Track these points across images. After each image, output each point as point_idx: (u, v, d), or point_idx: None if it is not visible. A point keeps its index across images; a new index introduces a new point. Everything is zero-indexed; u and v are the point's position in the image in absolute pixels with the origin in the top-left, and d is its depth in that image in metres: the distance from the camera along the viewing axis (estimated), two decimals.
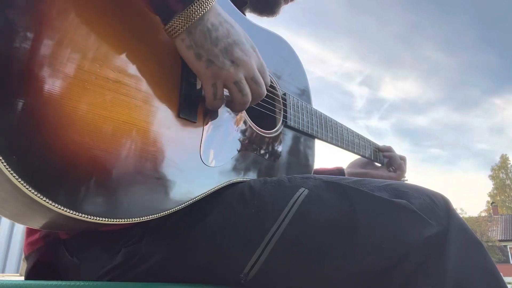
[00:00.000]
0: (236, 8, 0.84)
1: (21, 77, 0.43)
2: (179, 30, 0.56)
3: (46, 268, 0.69)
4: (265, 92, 0.66)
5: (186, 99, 0.62)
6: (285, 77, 0.96)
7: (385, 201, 0.57)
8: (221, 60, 0.59)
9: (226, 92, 0.65)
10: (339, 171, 1.23)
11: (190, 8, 0.55)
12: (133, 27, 0.57)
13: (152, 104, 0.57)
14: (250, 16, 1.05)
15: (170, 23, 0.56)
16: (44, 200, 0.43)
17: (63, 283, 0.51)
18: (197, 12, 0.56)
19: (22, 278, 0.74)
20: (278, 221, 0.58)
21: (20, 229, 6.11)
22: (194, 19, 0.56)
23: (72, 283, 0.51)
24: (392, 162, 1.26)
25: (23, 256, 0.83)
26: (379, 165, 1.29)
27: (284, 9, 1.07)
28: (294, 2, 1.07)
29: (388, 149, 1.28)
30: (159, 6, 0.57)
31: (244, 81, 0.62)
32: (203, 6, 0.56)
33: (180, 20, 0.56)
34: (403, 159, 1.27)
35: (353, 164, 1.29)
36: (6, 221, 6.20)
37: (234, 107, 0.66)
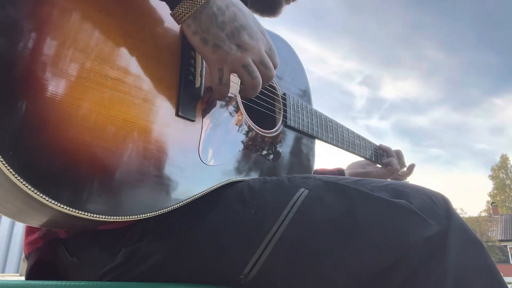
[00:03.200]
0: None
1: (19, 75, 0.43)
2: (184, 15, 0.56)
3: (46, 268, 0.69)
4: (274, 75, 0.65)
5: (184, 98, 0.62)
6: (286, 78, 0.96)
7: (385, 201, 0.57)
8: (228, 44, 0.58)
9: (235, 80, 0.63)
10: (339, 172, 1.23)
11: None
12: (132, 26, 0.57)
13: (151, 102, 0.57)
14: None
15: (176, 9, 0.56)
16: (42, 197, 0.43)
17: (63, 283, 0.51)
18: None
19: (22, 278, 0.74)
20: (278, 222, 0.58)
21: (20, 229, 6.11)
22: (199, 4, 0.56)
23: (72, 283, 0.51)
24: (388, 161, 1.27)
25: (23, 256, 0.83)
26: (379, 166, 1.29)
27: (285, 9, 1.07)
28: (296, 1, 1.07)
29: (387, 149, 1.29)
30: None
31: (253, 65, 0.61)
32: None
33: (185, 6, 0.56)
34: (398, 153, 1.30)
35: (353, 165, 1.29)
36: (6, 221, 6.19)
37: (246, 92, 0.63)
